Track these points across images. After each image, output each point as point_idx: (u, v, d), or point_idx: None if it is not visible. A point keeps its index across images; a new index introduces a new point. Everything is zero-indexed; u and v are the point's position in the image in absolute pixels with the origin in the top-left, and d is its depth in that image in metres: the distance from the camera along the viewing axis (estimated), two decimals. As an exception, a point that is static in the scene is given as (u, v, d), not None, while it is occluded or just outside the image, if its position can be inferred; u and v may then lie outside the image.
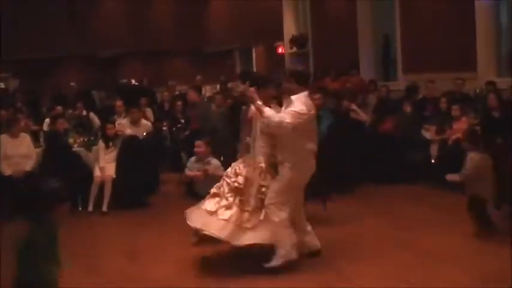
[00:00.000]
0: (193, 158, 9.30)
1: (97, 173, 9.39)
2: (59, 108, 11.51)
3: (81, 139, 10.25)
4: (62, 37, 17.84)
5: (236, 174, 6.36)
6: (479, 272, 5.73)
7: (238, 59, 23.43)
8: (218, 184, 6.53)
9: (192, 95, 10.59)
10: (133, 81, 18.62)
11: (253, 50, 22.58)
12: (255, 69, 21.27)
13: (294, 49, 18.56)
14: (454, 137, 9.41)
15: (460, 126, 9.46)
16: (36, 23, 17.32)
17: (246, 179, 6.26)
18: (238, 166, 6.44)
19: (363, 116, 10.80)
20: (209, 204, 6.36)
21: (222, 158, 9.39)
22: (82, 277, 6.30)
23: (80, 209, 9.36)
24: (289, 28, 18.86)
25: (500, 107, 9.45)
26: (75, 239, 7.83)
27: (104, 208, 9.21)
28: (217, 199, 6.36)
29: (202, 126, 10.17)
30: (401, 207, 8.40)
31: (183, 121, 11.22)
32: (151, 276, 6.33)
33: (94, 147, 9.82)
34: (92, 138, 10.28)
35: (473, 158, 6.79)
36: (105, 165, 9.42)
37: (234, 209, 6.19)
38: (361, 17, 15.37)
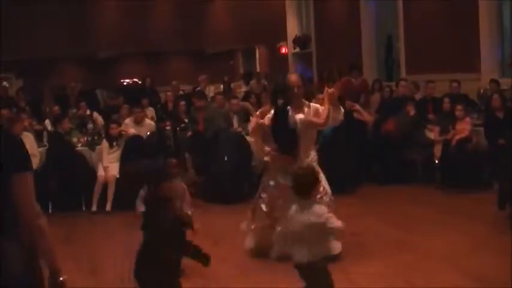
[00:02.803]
0: None
1: (100, 172, 9.41)
2: (56, 108, 11.51)
3: (85, 139, 10.27)
4: (64, 37, 17.85)
5: None
6: (480, 273, 5.74)
7: (241, 60, 23.44)
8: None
9: (198, 103, 10.68)
10: (136, 81, 18.65)
11: (256, 50, 22.58)
12: (258, 70, 21.27)
13: (297, 49, 18.57)
14: (457, 137, 9.41)
15: (463, 127, 9.46)
16: (37, 23, 17.34)
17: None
18: None
19: (366, 116, 10.78)
20: None
21: (226, 158, 9.40)
22: (85, 277, 6.33)
23: (84, 208, 9.37)
24: (292, 28, 18.86)
25: (504, 107, 9.45)
26: (78, 238, 7.86)
27: (108, 208, 9.23)
28: None
29: (207, 128, 10.19)
30: (403, 208, 8.40)
31: (186, 121, 11.23)
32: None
33: (97, 147, 9.83)
34: (95, 138, 10.30)
35: None
36: (108, 164, 9.44)
37: None
38: (364, 17, 15.38)
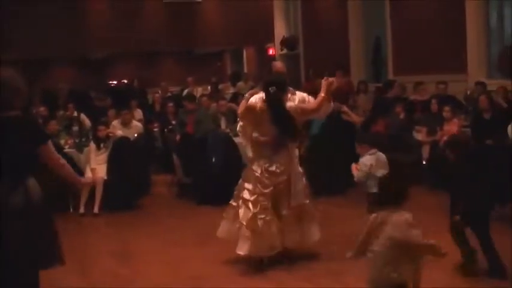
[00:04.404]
0: None
1: (88, 174, 9.36)
2: (42, 109, 11.45)
3: (72, 140, 10.22)
4: (53, 37, 17.76)
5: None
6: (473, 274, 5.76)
7: (229, 61, 23.43)
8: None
9: (189, 106, 10.67)
10: (124, 82, 18.60)
11: (244, 51, 22.59)
12: (245, 71, 21.27)
13: (285, 51, 18.58)
14: (445, 138, 9.43)
15: (451, 128, 9.50)
16: (27, 24, 17.25)
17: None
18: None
19: (354, 117, 10.81)
20: None
21: (213, 160, 9.38)
22: (73, 279, 6.30)
23: (71, 210, 9.32)
24: (280, 29, 18.87)
25: (491, 108, 9.49)
26: (66, 241, 7.79)
27: (96, 210, 9.18)
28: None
29: (196, 129, 10.17)
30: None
31: (174, 123, 11.20)
32: (142, 277, 6.33)
33: (85, 149, 9.78)
34: (83, 140, 10.25)
35: None
36: (96, 166, 9.39)
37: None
38: (352, 18, 15.42)
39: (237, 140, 9.79)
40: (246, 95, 6.53)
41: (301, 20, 17.70)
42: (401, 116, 10.37)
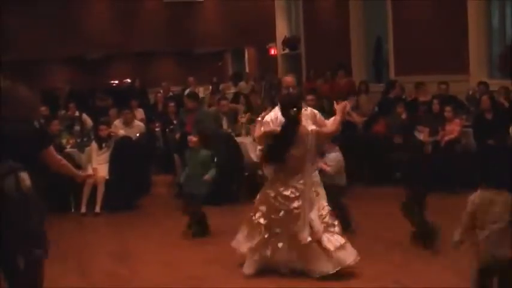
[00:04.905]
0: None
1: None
2: (43, 109, 11.45)
3: (74, 140, 10.21)
4: (52, 38, 17.76)
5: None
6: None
7: (230, 60, 23.43)
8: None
9: (190, 104, 10.55)
10: (126, 82, 18.60)
11: (245, 51, 22.59)
12: (247, 71, 21.27)
13: (287, 50, 18.57)
14: (446, 138, 9.44)
15: (452, 128, 9.50)
16: (26, 24, 17.25)
17: None
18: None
19: (356, 117, 10.83)
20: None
21: (215, 159, 9.36)
22: (72, 278, 6.31)
23: (73, 210, 9.32)
24: (282, 29, 18.88)
25: (493, 108, 9.50)
26: (67, 240, 7.81)
27: (97, 209, 9.17)
28: None
29: (197, 129, 10.14)
30: (392, 209, 8.38)
31: (175, 122, 11.19)
32: (141, 277, 6.32)
33: (87, 148, 9.78)
34: (84, 139, 10.24)
35: None
36: (97, 166, 9.39)
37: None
38: (353, 18, 15.42)
39: (238, 139, 9.80)
40: (259, 118, 6.41)
41: (302, 20, 17.70)
42: (403, 116, 10.37)
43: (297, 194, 5.89)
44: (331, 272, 5.78)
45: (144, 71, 19.81)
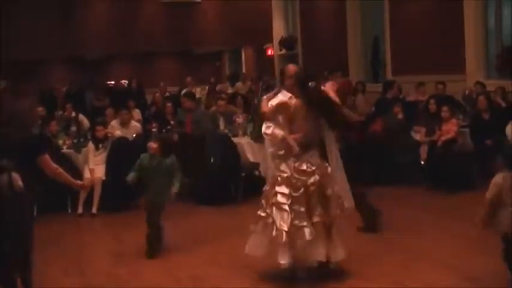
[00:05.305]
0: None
1: (86, 174, 9.34)
2: (41, 109, 11.42)
3: (71, 141, 10.20)
4: (51, 38, 17.76)
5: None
6: (470, 273, 5.76)
7: (227, 61, 23.44)
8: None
9: (187, 103, 10.55)
10: (122, 82, 18.57)
11: (243, 51, 22.60)
12: (244, 71, 21.28)
13: (283, 51, 18.58)
14: (443, 138, 9.45)
15: (449, 128, 9.50)
16: (25, 25, 17.24)
17: None
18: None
19: (354, 117, 10.80)
20: None
21: (212, 160, 9.37)
22: (70, 279, 6.30)
23: (70, 211, 9.31)
24: (279, 29, 18.89)
25: (490, 108, 9.51)
26: (65, 241, 7.81)
27: (94, 210, 9.16)
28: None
29: (194, 130, 10.15)
30: (391, 209, 8.40)
31: (172, 123, 11.17)
32: (141, 277, 6.32)
33: (83, 149, 9.76)
34: (81, 140, 10.22)
35: None
36: (94, 167, 9.37)
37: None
38: (350, 18, 15.43)
39: (235, 140, 9.80)
40: (264, 97, 6.22)
41: (299, 20, 17.71)
42: (400, 116, 10.37)
43: (313, 168, 5.71)
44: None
45: (143, 71, 19.83)
